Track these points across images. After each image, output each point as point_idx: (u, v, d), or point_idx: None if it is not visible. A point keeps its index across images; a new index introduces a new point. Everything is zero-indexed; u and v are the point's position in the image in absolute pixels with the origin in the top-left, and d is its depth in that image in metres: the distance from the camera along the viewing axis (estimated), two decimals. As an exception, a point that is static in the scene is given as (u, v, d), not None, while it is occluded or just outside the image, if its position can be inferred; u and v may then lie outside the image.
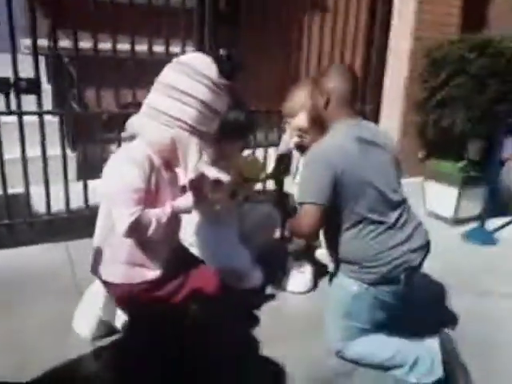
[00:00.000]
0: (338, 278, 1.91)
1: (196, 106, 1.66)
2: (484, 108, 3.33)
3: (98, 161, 2.79)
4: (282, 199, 2.63)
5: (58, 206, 2.94)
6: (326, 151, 1.79)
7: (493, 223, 3.51)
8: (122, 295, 1.84)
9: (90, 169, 2.87)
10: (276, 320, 2.25)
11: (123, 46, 2.88)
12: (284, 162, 2.64)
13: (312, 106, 1.96)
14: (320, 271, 2.58)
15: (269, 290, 2.51)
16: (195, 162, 1.72)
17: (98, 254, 1.84)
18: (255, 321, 2.22)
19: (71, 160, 3.19)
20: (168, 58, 1.78)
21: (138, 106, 2.87)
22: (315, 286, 2.57)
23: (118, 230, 1.65)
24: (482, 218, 3.39)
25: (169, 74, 1.70)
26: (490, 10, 4.20)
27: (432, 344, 1.84)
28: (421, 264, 1.85)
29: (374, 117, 3.90)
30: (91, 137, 2.97)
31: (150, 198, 1.70)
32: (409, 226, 1.84)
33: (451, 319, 2.28)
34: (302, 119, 2.19)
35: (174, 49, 2.99)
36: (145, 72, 2.81)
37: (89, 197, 2.95)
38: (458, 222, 3.56)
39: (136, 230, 1.63)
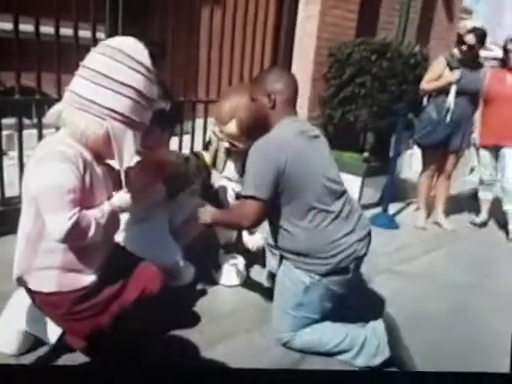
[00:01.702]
0: (287, 270, 1.83)
1: (131, 95, 1.46)
2: (384, 105, 3.49)
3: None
4: (209, 191, 2.48)
5: None
6: (269, 145, 1.73)
7: (392, 208, 3.71)
8: (54, 306, 1.56)
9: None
10: (214, 316, 2.10)
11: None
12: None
13: (256, 106, 1.88)
14: (250, 262, 2.48)
15: (201, 286, 2.34)
16: (131, 155, 1.52)
17: (23, 262, 1.54)
18: (194, 319, 2.04)
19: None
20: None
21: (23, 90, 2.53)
22: (248, 277, 2.45)
23: (53, 236, 1.40)
24: (383, 203, 3.56)
25: (98, 60, 1.45)
26: (380, 16, 4.42)
27: (377, 326, 1.84)
28: (366, 253, 1.84)
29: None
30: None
31: (84, 197, 1.46)
32: (353, 216, 1.83)
33: (377, 301, 2.33)
34: (232, 128, 2.13)
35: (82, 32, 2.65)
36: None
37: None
38: (361, 208, 3.69)
39: (75, 234, 1.40)
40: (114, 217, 1.58)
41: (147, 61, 1.50)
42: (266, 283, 2.25)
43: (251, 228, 1.88)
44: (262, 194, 1.68)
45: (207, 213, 1.86)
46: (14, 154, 2.88)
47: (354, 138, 3.80)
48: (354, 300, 2.02)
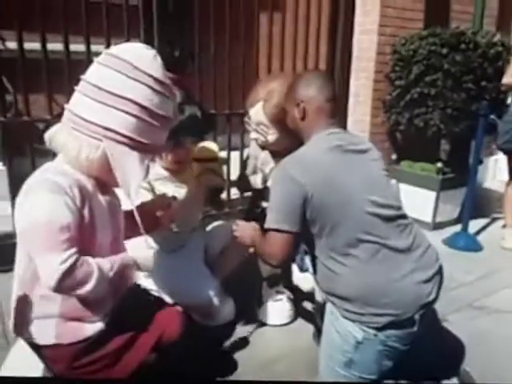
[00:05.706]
0: (334, 319, 1.44)
1: (131, 110, 1.21)
2: (460, 106, 3.00)
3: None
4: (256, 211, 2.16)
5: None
6: (292, 167, 1.42)
7: (474, 226, 3.18)
8: (53, 360, 1.34)
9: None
10: (256, 362, 1.80)
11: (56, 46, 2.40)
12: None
13: (288, 120, 1.62)
14: (299, 297, 2.13)
15: (242, 325, 2.04)
16: (138, 182, 1.26)
17: (20, 310, 1.32)
18: (231, 367, 1.75)
19: (2, 174, 2.57)
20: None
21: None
22: (296, 315, 2.11)
23: (44, 283, 1.16)
24: (463, 221, 3.04)
25: (97, 71, 1.23)
26: (452, 5, 3.90)
27: None
28: (436, 299, 1.42)
29: (341, 121, 3.51)
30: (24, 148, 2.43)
31: (84, 235, 1.22)
32: (416, 250, 1.41)
33: (454, 348, 1.88)
34: (258, 112, 1.84)
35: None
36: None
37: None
38: (437, 226, 3.22)
39: (70, 283, 1.15)
40: (126, 271, 1.32)
41: (157, 70, 1.24)
42: (317, 322, 1.90)
43: (282, 264, 1.52)
44: (288, 226, 1.39)
45: (249, 230, 1.58)
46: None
47: (425, 145, 3.32)
48: (422, 350, 1.58)
